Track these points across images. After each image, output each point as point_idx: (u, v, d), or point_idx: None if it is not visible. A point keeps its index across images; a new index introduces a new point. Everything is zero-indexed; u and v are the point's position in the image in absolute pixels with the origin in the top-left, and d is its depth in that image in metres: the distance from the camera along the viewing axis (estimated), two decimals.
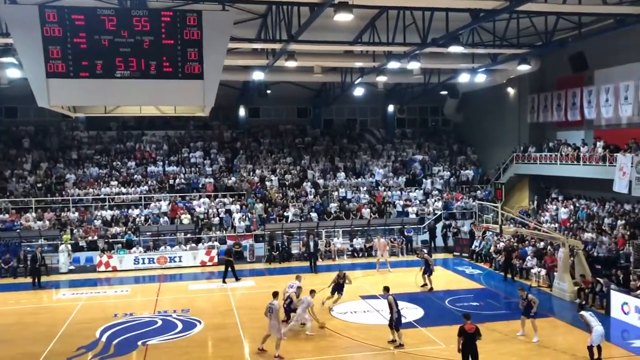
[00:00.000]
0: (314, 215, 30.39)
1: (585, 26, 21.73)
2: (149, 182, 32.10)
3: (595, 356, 13.72)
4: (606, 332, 16.41)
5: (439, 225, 30.35)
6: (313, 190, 32.62)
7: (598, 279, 19.31)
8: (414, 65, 24.41)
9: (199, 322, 17.45)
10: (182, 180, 32.44)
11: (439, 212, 31.22)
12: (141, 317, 18.09)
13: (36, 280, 22.86)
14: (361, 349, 15.00)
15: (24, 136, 34.48)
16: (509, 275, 23.23)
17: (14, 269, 24.66)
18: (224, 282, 22.92)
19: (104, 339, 15.79)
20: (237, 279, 23.25)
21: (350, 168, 35.31)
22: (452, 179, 34.81)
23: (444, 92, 35.59)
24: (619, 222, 22.90)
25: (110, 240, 27.29)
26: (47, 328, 16.92)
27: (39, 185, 30.79)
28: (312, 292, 16.45)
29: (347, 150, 37.50)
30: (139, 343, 15.36)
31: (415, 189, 33.58)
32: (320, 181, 33.48)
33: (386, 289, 15.82)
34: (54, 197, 30.00)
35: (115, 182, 31.68)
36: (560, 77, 28.92)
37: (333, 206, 31.21)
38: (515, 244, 25.03)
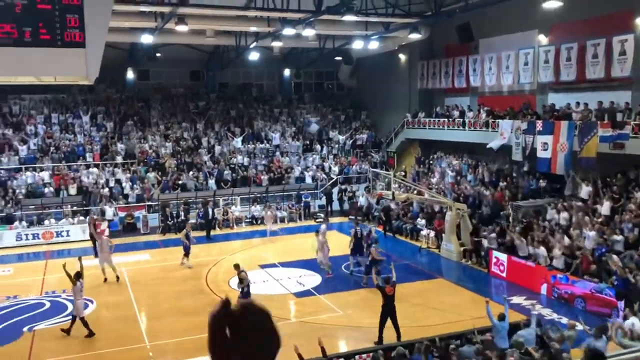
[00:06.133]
0: (211, 182, 29.85)
1: None
2: (29, 149, 29.82)
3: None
4: (486, 290, 17.81)
5: (335, 190, 30.98)
6: (209, 157, 31.95)
7: (481, 239, 20.71)
8: (309, 32, 24.28)
9: (91, 301, 16.71)
10: (66, 148, 30.46)
11: (335, 177, 31.81)
12: (26, 299, 17.02)
13: None
14: None
15: None
16: (389, 233, 25.09)
17: None
18: None
19: None
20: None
21: (247, 133, 34.84)
22: (347, 142, 35.45)
23: (339, 58, 35.82)
24: (501, 183, 24.41)
25: None
26: None
27: None
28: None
29: (243, 115, 36.91)
30: (25, 329, 14.49)
31: (312, 154, 33.90)
32: (217, 147, 32.82)
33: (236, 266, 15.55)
34: None
35: None
36: (448, 45, 30.04)
37: (231, 174, 30.78)
38: (407, 205, 26.22)
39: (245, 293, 14.62)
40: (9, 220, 25.24)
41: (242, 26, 26.31)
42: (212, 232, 26.09)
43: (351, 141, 35.56)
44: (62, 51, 12.29)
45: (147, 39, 25.64)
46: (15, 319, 15.17)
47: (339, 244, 21.03)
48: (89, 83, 16.58)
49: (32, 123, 31.84)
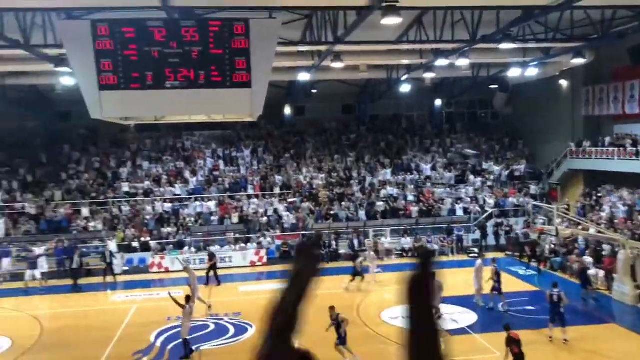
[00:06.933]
0: (361, 213, 30.22)
1: None
2: (198, 181, 32.62)
3: None
4: None
5: (490, 224, 29.64)
6: (359, 188, 32.42)
7: None
8: (463, 62, 23.84)
9: (251, 326, 17.58)
10: (230, 180, 32.81)
11: (490, 210, 30.48)
12: (193, 320, 18.29)
13: (76, 283, 23.57)
14: None
15: (77, 138, 35.61)
16: (534, 265, 24.02)
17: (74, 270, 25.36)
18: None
19: (158, 343, 16.11)
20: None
21: (397, 164, 34.89)
22: (503, 174, 33.90)
23: (494, 86, 34.67)
24: None
25: (163, 241, 27.89)
26: (104, 332, 17.39)
27: (92, 182, 31.86)
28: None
29: (393, 146, 37.07)
30: (193, 348, 15.57)
31: (465, 186, 32.89)
32: (367, 179, 33.24)
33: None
34: (106, 193, 30.96)
35: (166, 180, 32.31)
36: (618, 68, 27.70)
37: (381, 205, 30.91)
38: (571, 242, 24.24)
39: (342, 338, 14.34)
40: (180, 246, 27.63)
41: (394, 60, 26.62)
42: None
43: (507, 172, 33.94)
44: (231, 92, 13.31)
45: (304, 76, 26.95)
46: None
47: None
48: (252, 120, 17.73)
49: (201, 157, 34.85)
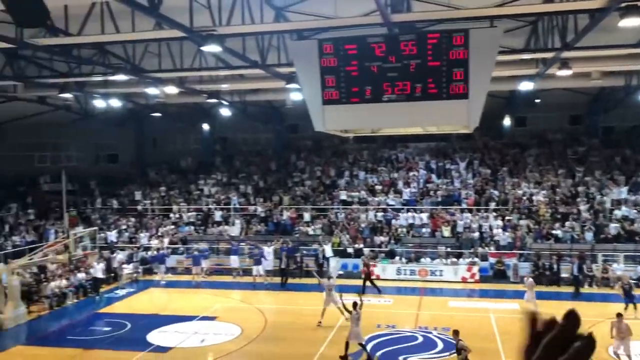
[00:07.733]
0: (588, 235, 27.42)
1: None
2: (411, 192, 32.85)
3: None
4: None
5: None
6: (587, 207, 29.46)
7: None
8: None
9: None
10: (444, 192, 32.40)
11: None
12: (402, 330, 18.50)
13: (284, 281, 25.66)
14: None
15: (303, 148, 38.64)
16: None
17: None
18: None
19: (368, 348, 16.53)
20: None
21: (635, 182, 30.92)
22: None
23: None
24: None
25: (375, 249, 28.67)
26: (318, 331, 18.46)
27: (314, 189, 34.18)
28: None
29: (631, 161, 32.98)
30: (400, 358, 15.70)
31: None
32: (598, 197, 30.06)
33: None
34: (326, 200, 32.92)
35: (380, 190, 33.17)
36: None
37: (613, 227, 27.68)
38: None
39: None
40: (391, 255, 28.12)
41: (634, 65, 23.68)
42: (589, 290, 23.82)
43: None
44: (446, 103, 13.15)
45: (526, 86, 25.45)
46: (392, 347, 16.63)
47: None
48: (468, 131, 17.30)
49: (415, 168, 35.05)
